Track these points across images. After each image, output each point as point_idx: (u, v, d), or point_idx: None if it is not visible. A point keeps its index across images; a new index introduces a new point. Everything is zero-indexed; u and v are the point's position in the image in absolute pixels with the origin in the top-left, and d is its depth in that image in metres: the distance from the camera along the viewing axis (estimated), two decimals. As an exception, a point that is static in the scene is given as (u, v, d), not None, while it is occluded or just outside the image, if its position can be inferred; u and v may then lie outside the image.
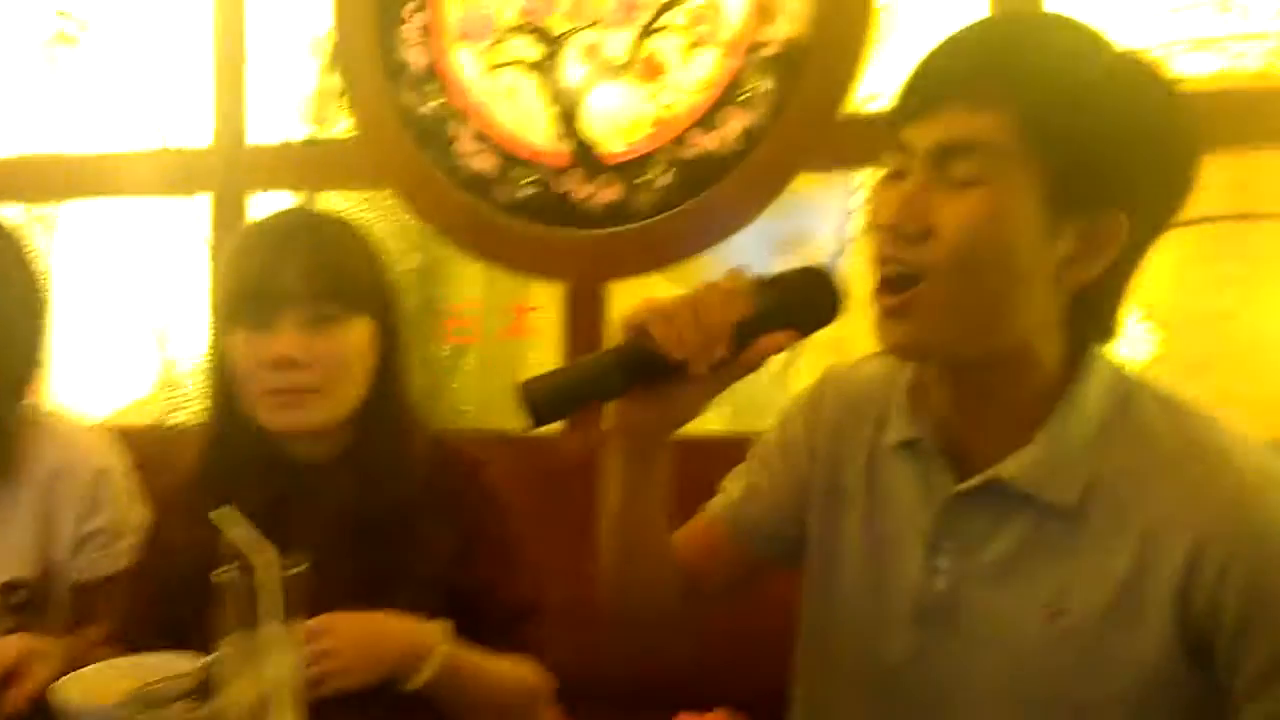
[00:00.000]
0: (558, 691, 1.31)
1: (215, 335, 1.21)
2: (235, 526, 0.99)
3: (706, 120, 1.83)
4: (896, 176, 0.85)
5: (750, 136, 1.81)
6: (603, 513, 0.98)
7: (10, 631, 1.31)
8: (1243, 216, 1.65)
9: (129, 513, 1.38)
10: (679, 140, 1.84)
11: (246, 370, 1.14)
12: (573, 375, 0.85)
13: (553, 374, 0.84)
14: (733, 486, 1.08)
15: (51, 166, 2.22)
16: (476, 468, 1.26)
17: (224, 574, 0.95)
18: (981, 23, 0.87)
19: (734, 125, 1.82)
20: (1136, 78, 0.82)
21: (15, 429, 1.34)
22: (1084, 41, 0.83)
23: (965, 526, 0.89)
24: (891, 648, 0.92)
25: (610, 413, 0.90)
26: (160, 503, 1.31)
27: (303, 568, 0.95)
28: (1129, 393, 0.87)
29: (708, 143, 1.83)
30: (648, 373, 0.84)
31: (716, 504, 1.08)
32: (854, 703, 0.97)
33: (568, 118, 1.90)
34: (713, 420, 1.98)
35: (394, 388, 1.21)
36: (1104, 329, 0.88)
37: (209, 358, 1.24)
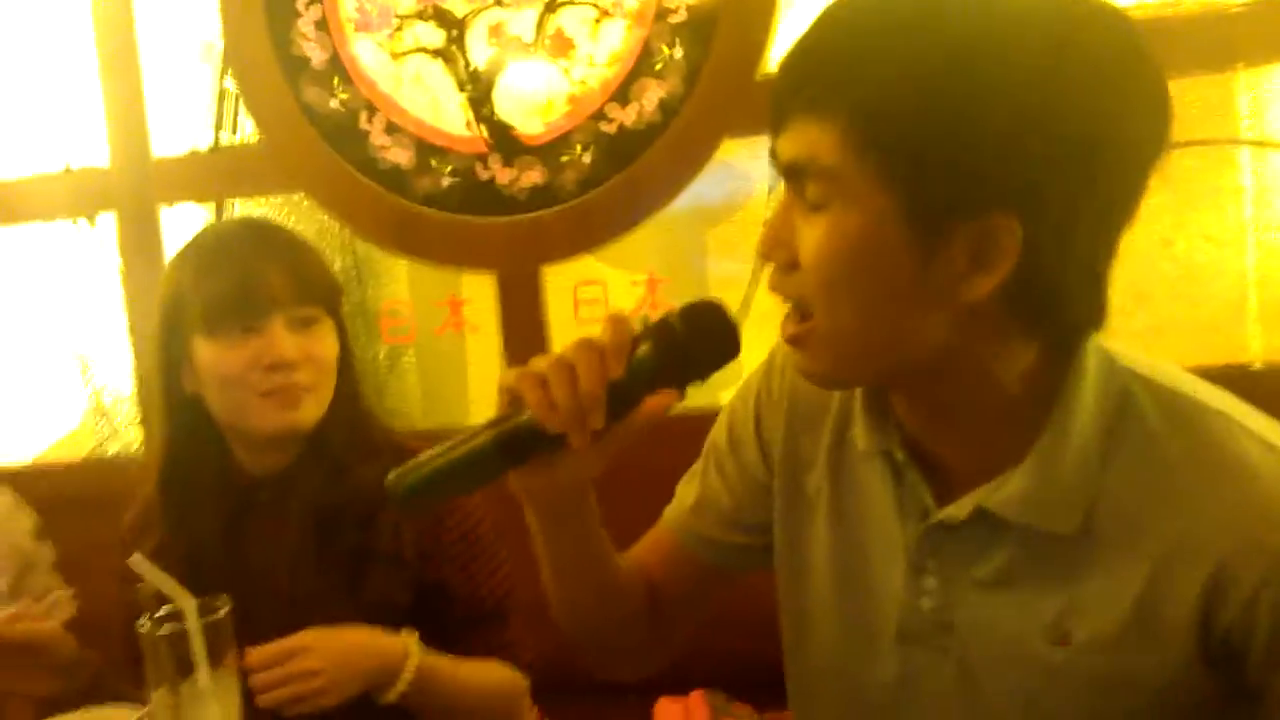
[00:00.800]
0: (535, 682, 1.30)
1: (171, 350, 1.19)
2: (152, 574, 0.96)
3: (622, 93, 1.78)
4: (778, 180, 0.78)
5: (668, 106, 1.77)
6: (539, 565, 0.92)
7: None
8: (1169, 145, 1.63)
9: (38, 574, 1.32)
10: (597, 116, 1.80)
11: (233, 376, 1.14)
12: (446, 463, 0.77)
13: (425, 463, 0.77)
14: (686, 492, 1.00)
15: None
16: None
17: (145, 624, 0.91)
18: (839, 5, 0.72)
19: (651, 96, 1.77)
20: (1022, 41, 0.66)
21: None
22: (955, 11, 0.67)
23: (952, 548, 0.80)
24: (877, 667, 0.85)
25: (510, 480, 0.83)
26: (122, 538, 1.28)
27: (224, 612, 0.93)
28: (1125, 391, 0.75)
29: (626, 116, 1.78)
30: (527, 448, 0.77)
31: (670, 513, 1.01)
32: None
33: (480, 102, 1.84)
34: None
35: (351, 385, 1.23)
36: (1079, 321, 0.74)
37: (161, 377, 1.21)
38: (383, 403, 2.15)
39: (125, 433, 2.25)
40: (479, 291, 1.96)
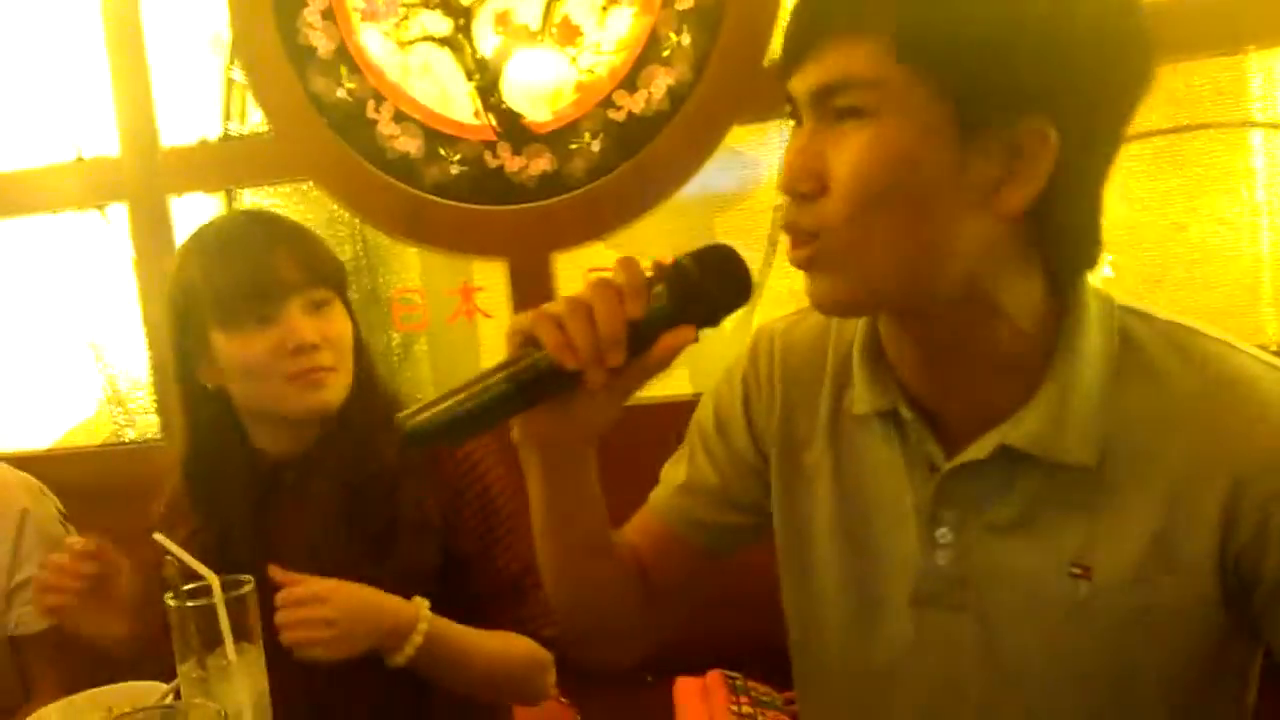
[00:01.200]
0: (563, 668, 1.30)
1: (186, 347, 1.20)
2: (178, 552, 0.99)
3: (630, 81, 1.78)
4: (797, 125, 0.77)
5: (676, 93, 1.76)
6: (533, 524, 0.90)
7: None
8: (1179, 129, 1.63)
9: None
10: (605, 103, 1.79)
11: (258, 365, 1.16)
12: (460, 403, 0.74)
13: (438, 403, 0.75)
14: (672, 475, 1.00)
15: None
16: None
17: (171, 600, 0.93)
18: None
19: (659, 83, 1.77)
20: None
21: None
22: None
23: (967, 492, 0.80)
24: (891, 635, 0.84)
25: (513, 424, 0.81)
26: (152, 528, 1.29)
27: (248, 587, 0.95)
28: (1124, 326, 0.78)
29: (634, 103, 1.78)
30: (542, 388, 0.75)
31: (657, 497, 1.00)
32: (851, 700, 0.90)
33: (488, 90, 1.84)
34: (673, 383, 1.96)
35: (366, 364, 1.25)
36: (1083, 256, 0.77)
37: (179, 373, 1.22)
38: (395, 390, 2.17)
39: (142, 419, 2.27)
40: (491, 279, 1.97)
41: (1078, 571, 0.77)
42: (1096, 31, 0.71)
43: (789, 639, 0.96)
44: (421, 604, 1.14)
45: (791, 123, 0.79)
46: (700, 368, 1.92)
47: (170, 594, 0.94)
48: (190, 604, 0.93)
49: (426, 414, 0.74)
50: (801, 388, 0.90)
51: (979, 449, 0.78)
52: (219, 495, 1.21)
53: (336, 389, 1.18)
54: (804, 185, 0.73)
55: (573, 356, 0.73)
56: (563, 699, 1.53)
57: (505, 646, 1.22)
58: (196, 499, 1.23)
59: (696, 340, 0.76)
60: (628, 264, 0.75)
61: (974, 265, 0.74)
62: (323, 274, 1.20)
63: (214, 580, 0.94)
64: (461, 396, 0.74)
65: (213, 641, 0.92)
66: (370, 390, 1.24)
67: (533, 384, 0.74)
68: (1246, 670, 0.82)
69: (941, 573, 0.81)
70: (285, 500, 1.22)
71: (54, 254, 2.22)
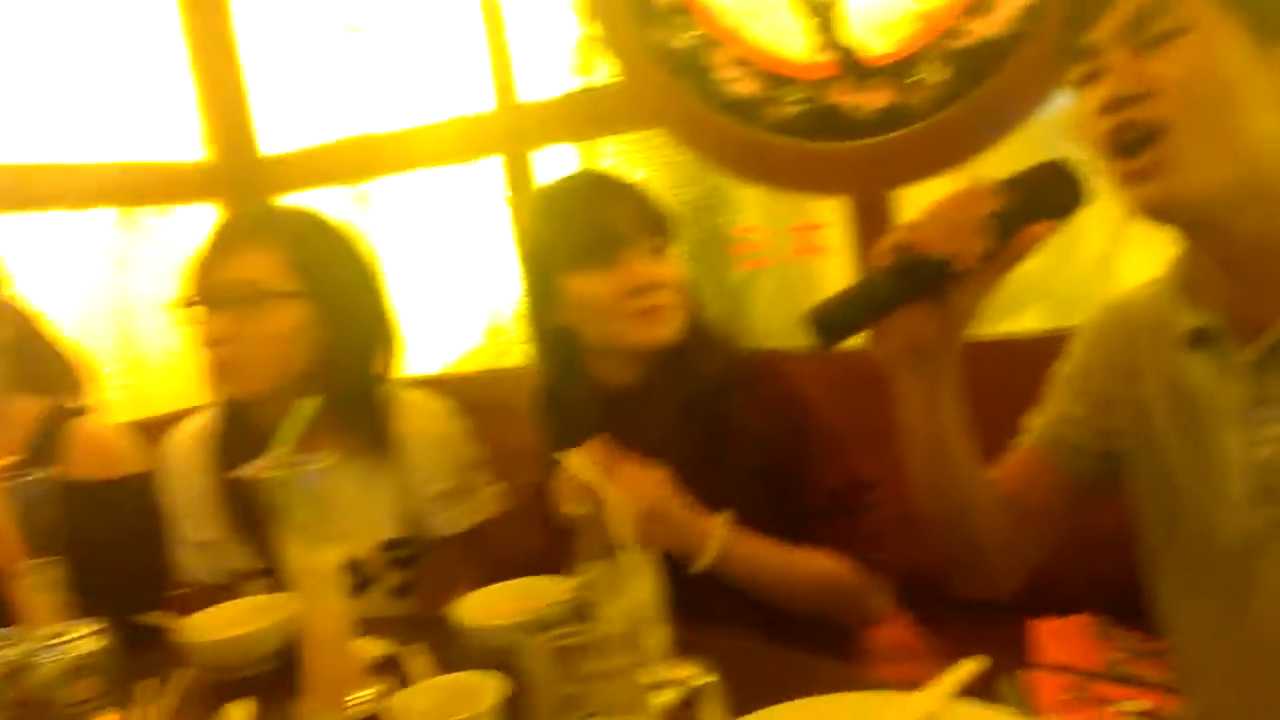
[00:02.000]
0: (912, 599, 1.36)
1: (541, 290, 1.37)
2: (582, 466, 1.14)
3: (980, 4, 1.69)
4: (1090, 81, 0.89)
5: (1029, 15, 1.65)
6: (902, 432, 1.00)
7: (399, 587, 1.52)
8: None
9: (473, 473, 1.54)
10: (950, 32, 1.72)
11: (606, 304, 1.31)
12: (853, 295, 0.89)
13: (834, 298, 0.88)
14: (1045, 411, 1.10)
15: (363, 147, 2.44)
16: (774, 365, 1.36)
17: (576, 508, 1.09)
18: None
19: (1013, 2, 1.66)
20: None
21: (379, 404, 1.51)
22: None
23: (1278, 388, 0.90)
24: (1231, 536, 0.93)
25: (890, 331, 0.92)
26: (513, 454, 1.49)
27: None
28: None
29: (984, 28, 1.69)
30: (920, 278, 0.88)
31: (1030, 432, 1.10)
32: (1207, 602, 0.98)
33: (826, 26, 1.82)
34: (1032, 318, 1.89)
35: (692, 301, 1.36)
36: None
37: (535, 308, 1.39)
38: (739, 324, 2.26)
39: (516, 348, 2.54)
40: (830, 216, 1.98)
41: None
42: None
43: (1143, 542, 1.04)
44: (716, 520, 1.24)
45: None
46: (1053, 303, 1.84)
47: (575, 505, 1.11)
48: (592, 510, 1.08)
49: (825, 309, 0.88)
50: (1136, 335, 1.04)
51: (1273, 333, 0.89)
52: (568, 420, 1.38)
53: (673, 324, 1.31)
54: (1130, 89, 0.86)
55: (944, 245, 0.86)
56: (915, 625, 1.55)
57: (816, 567, 1.27)
58: (548, 424, 1.41)
59: (1049, 235, 0.88)
60: (974, 179, 0.89)
61: (1272, 161, 0.86)
62: (657, 223, 1.33)
63: (610, 492, 1.08)
64: (853, 294, 0.89)
65: (611, 545, 1.03)
66: (696, 321, 1.35)
67: (911, 275, 0.88)
68: None
69: (1268, 466, 0.91)
70: (625, 423, 1.35)
71: (448, 202, 2.50)
